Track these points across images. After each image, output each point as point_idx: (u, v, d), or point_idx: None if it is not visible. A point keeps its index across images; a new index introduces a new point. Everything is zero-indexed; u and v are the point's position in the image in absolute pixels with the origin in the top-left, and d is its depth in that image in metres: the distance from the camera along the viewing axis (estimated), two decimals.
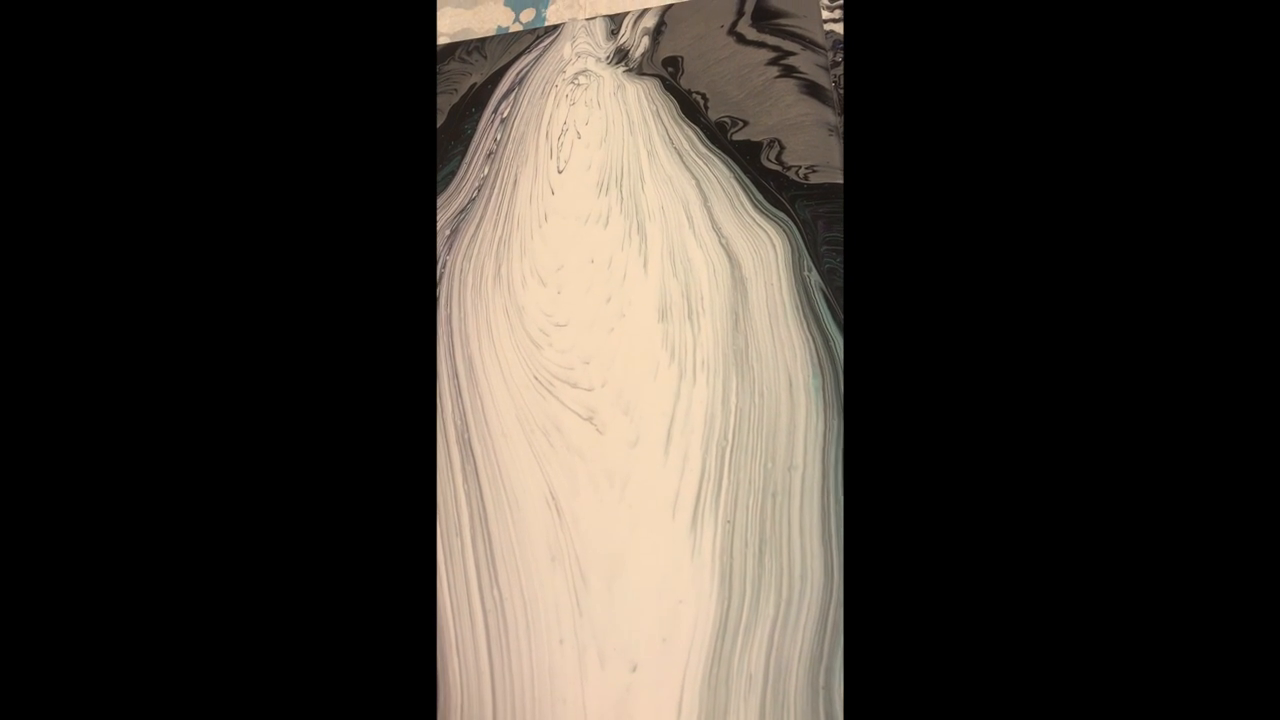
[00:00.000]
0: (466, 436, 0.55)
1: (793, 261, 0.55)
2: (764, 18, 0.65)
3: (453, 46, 0.74)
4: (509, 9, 0.81)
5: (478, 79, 0.70)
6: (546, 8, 0.80)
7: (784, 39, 0.63)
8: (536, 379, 0.55)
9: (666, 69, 0.65)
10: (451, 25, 0.81)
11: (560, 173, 0.63)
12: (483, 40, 0.73)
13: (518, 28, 0.78)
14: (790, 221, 0.56)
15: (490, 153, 0.65)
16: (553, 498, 0.51)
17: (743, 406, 0.51)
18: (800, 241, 0.55)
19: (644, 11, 0.69)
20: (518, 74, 0.69)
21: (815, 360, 0.51)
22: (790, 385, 0.51)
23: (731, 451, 0.50)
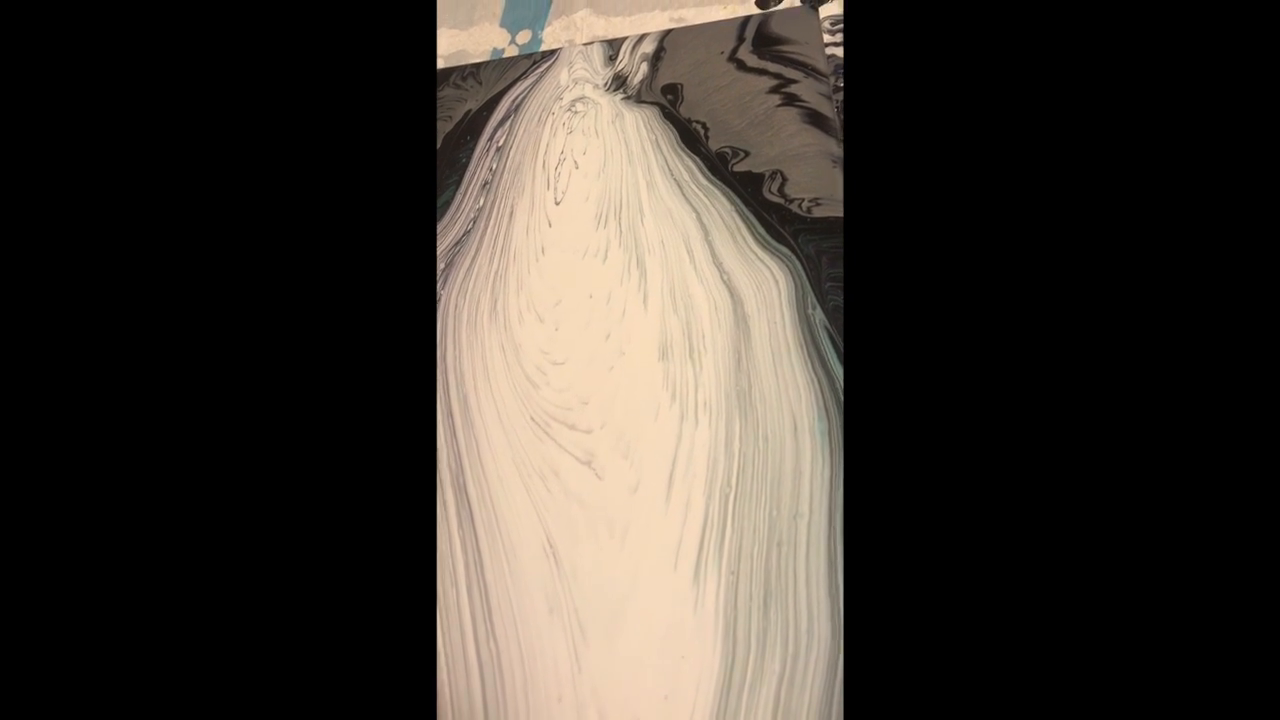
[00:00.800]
0: (462, 480, 0.53)
1: (796, 299, 0.53)
2: (765, 44, 0.63)
3: (447, 71, 0.72)
4: (504, 30, 0.80)
5: (473, 105, 0.68)
6: (542, 29, 0.78)
7: (785, 66, 0.62)
8: (533, 420, 0.54)
9: (666, 97, 0.63)
10: (446, 47, 0.80)
11: (558, 204, 0.61)
12: (478, 65, 0.72)
13: (513, 49, 0.77)
14: (793, 256, 0.55)
15: (486, 183, 0.64)
16: (551, 546, 0.50)
17: (746, 451, 0.49)
18: (804, 278, 0.54)
19: (642, 36, 0.68)
20: (514, 100, 0.67)
21: (820, 402, 0.50)
22: (795, 429, 0.49)
23: (735, 498, 0.48)
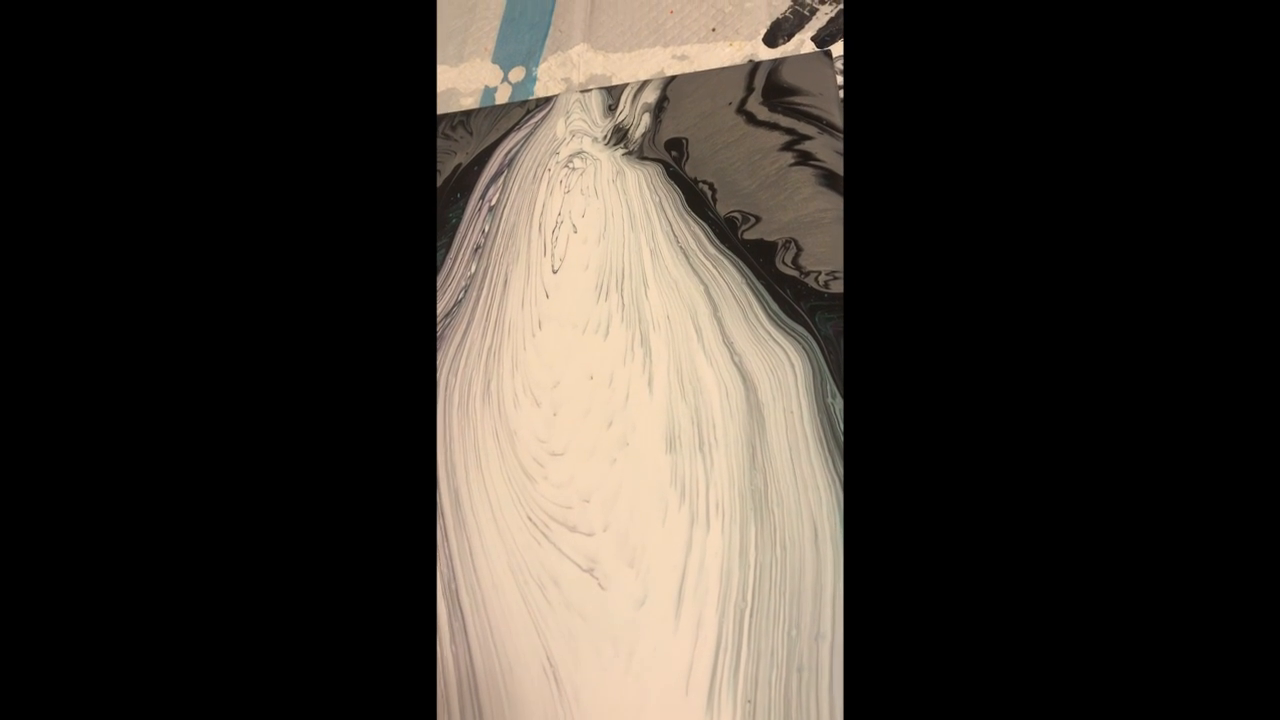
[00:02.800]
0: (454, 587, 0.49)
1: (814, 386, 0.49)
2: (776, 95, 0.59)
3: (437, 119, 0.68)
4: (497, 67, 0.75)
5: (463, 159, 0.64)
6: (537, 66, 0.74)
7: (799, 120, 0.57)
8: (530, 519, 0.50)
9: (670, 153, 0.59)
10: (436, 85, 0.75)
11: (555, 272, 0.57)
12: (468, 113, 0.67)
13: (506, 89, 0.72)
14: (810, 338, 0.50)
15: (478, 246, 0.60)
16: (550, 665, 0.46)
17: (763, 560, 0.45)
18: (822, 362, 0.50)
19: (644, 84, 0.63)
20: (506, 154, 0.63)
21: (843, 507, 0.46)
22: (815, 536, 0.45)
23: (751, 616, 0.44)
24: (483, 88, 0.74)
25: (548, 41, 0.74)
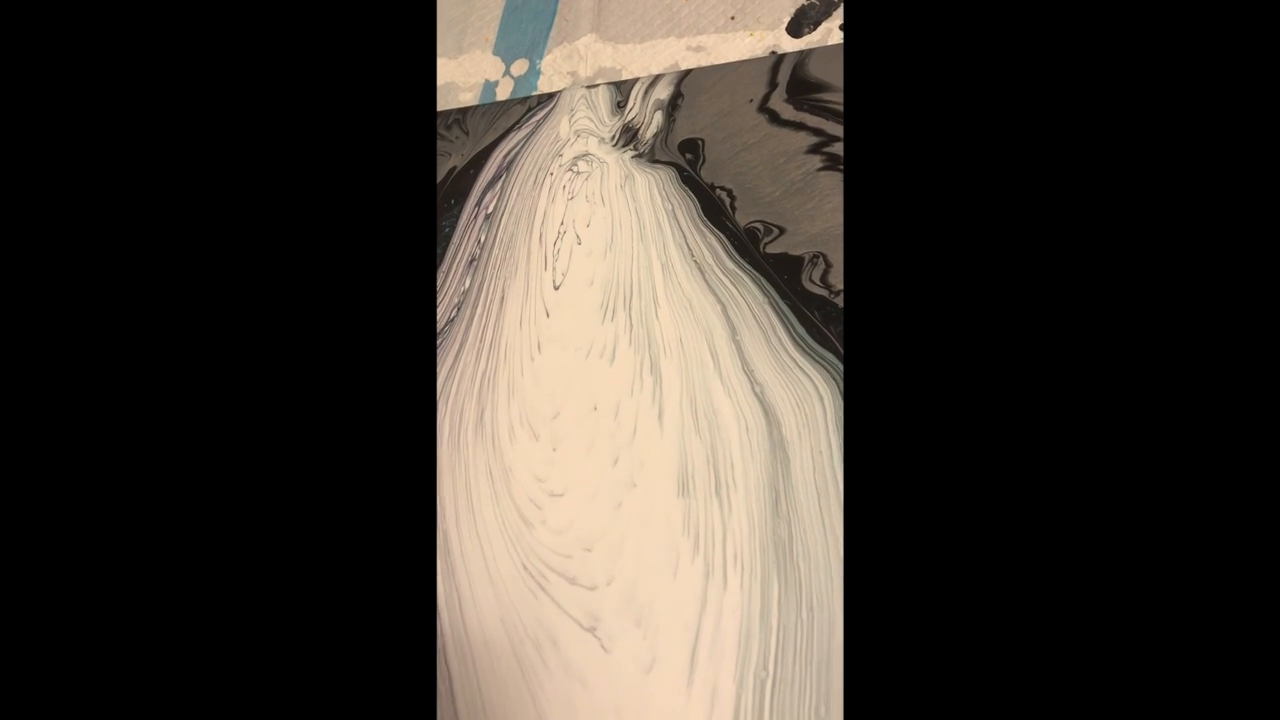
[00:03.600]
0: (441, 643, 0.44)
1: (845, 421, 0.44)
2: (802, 91, 0.53)
3: None
4: (498, 59, 0.70)
5: (458, 162, 0.59)
6: (541, 59, 0.68)
7: (827, 119, 0.52)
8: (526, 568, 0.45)
9: (684, 155, 0.54)
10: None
11: (557, 289, 0.52)
12: (464, 111, 0.62)
13: (508, 83, 0.67)
14: (841, 366, 0.45)
15: (473, 259, 0.55)
16: None
17: (787, 622, 0.40)
18: None
19: (657, 78, 0.58)
20: (505, 156, 0.58)
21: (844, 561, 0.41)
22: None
23: (773, 686, 0.39)
24: (483, 82, 0.69)
25: (553, 32, 0.69)
